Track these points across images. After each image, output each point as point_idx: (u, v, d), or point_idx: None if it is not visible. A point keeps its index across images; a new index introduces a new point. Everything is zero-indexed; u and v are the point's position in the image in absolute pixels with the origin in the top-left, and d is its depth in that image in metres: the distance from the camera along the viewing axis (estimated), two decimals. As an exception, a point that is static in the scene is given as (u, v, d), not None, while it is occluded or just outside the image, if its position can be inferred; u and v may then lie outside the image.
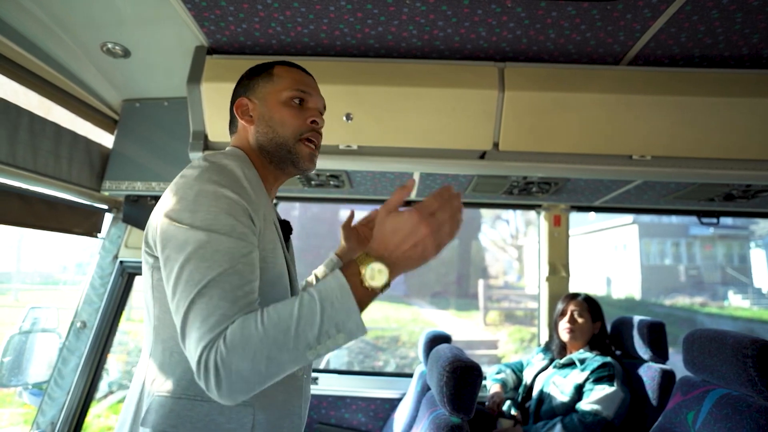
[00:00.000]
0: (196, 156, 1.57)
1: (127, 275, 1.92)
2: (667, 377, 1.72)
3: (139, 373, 0.85)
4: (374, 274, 0.70)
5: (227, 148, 0.96)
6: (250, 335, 0.66)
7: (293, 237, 1.08)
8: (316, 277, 1.28)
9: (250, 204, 0.78)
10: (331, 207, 15.91)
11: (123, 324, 1.92)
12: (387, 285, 0.72)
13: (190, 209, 0.74)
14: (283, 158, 0.93)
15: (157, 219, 0.78)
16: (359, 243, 1.28)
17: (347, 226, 1.29)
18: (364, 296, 0.71)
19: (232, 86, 1.46)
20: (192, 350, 0.67)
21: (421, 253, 0.72)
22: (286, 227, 1.02)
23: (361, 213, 1.36)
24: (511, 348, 10.10)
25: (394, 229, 0.72)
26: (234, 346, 0.66)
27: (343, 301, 0.69)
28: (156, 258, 0.80)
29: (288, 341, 0.66)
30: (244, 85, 0.99)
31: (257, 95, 0.95)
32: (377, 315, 12.10)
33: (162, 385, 0.79)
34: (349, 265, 0.72)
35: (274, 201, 1.73)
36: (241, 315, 0.69)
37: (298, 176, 1.88)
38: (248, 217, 0.77)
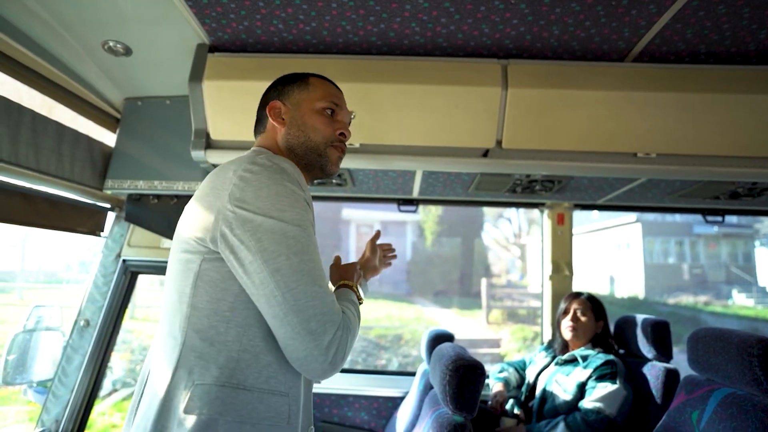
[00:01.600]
0: (198, 155, 1.57)
1: (130, 274, 1.92)
2: (671, 376, 1.71)
3: (162, 365, 0.84)
4: (361, 290, 1.10)
5: (255, 148, 0.99)
6: (356, 321, 0.88)
7: None
8: None
9: (309, 203, 0.87)
10: (333, 206, 15.90)
11: (126, 322, 1.92)
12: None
13: (277, 207, 0.80)
14: (312, 161, 0.99)
15: (223, 213, 0.81)
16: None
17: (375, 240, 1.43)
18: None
19: (234, 84, 1.47)
20: (319, 330, 0.78)
21: (376, 270, 1.33)
22: None
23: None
24: (514, 347, 10.08)
25: (346, 271, 1.13)
26: (353, 327, 0.85)
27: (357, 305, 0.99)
28: (210, 249, 0.82)
29: (356, 332, 0.89)
30: (277, 90, 1.04)
31: (291, 101, 1.01)
32: (380, 313, 12.11)
33: (204, 375, 0.80)
34: (351, 289, 1.03)
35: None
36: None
37: None
38: (312, 216, 0.87)
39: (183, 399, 0.79)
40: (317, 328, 0.77)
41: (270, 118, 1.00)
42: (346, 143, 1.05)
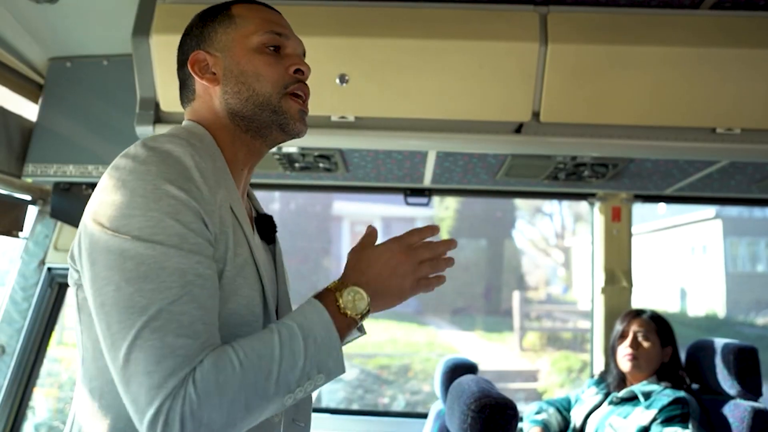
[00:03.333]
0: (144, 131, 1.57)
1: (57, 286, 1.93)
2: (761, 418, 1.72)
3: (69, 418, 0.86)
4: (354, 301, 0.83)
5: (184, 123, 0.95)
6: (226, 381, 0.70)
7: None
8: None
9: (202, 202, 0.77)
10: (321, 198, 15.90)
11: (53, 349, 1.93)
12: (366, 314, 0.84)
13: (123, 213, 0.73)
14: (266, 121, 0.92)
15: (83, 224, 0.78)
16: None
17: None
18: (343, 328, 0.81)
19: (190, 39, 1.47)
20: (142, 399, 0.67)
21: (400, 287, 0.87)
22: (267, 225, 1.02)
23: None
24: (556, 380, 10.11)
25: (370, 259, 0.88)
26: (208, 394, 0.69)
27: (326, 338, 0.78)
28: (79, 275, 0.80)
29: (269, 387, 0.72)
30: (195, 36, 0.97)
31: (217, 46, 0.94)
32: (382, 338, 12.13)
33: None
34: (324, 295, 0.83)
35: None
36: (206, 353, 0.71)
37: (278, 157, 1.88)
38: (200, 221, 0.76)
39: None
40: (138, 396, 0.68)
41: (196, 78, 0.94)
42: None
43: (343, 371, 0.80)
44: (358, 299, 0.83)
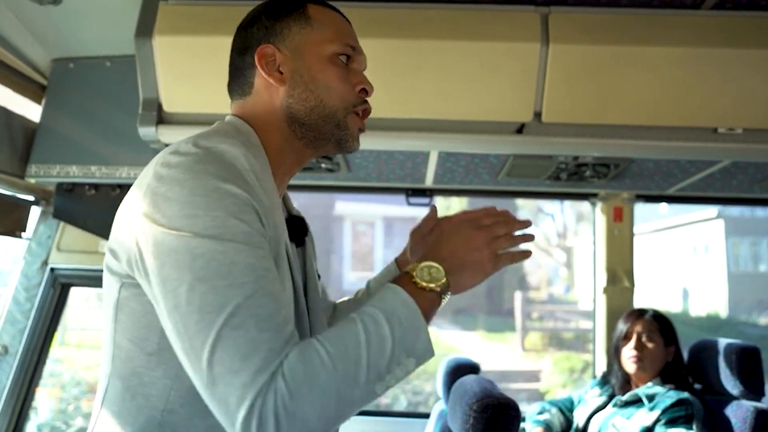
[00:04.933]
0: (147, 132, 1.58)
1: (60, 286, 1.94)
2: (763, 418, 1.72)
3: (92, 417, 0.85)
4: (430, 274, 0.80)
5: (228, 118, 0.91)
6: (315, 372, 0.68)
7: None
8: (369, 288, 1.22)
9: (259, 204, 0.76)
10: (322, 198, 15.90)
11: (55, 349, 1.94)
12: (447, 289, 0.81)
13: (186, 213, 0.71)
14: (326, 134, 0.90)
15: (136, 223, 0.75)
16: None
17: (424, 230, 1.11)
18: (425, 305, 0.78)
19: (193, 41, 1.47)
20: (233, 400, 0.66)
21: (478, 261, 0.84)
22: (298, 226, 1.01)
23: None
24: (558, 380, 10.10)
25: (442, 238, 0.87)
26: (299, 386, 0.67)
27: (410, 317, 0.76)
28: (126, 273, 0.78)
29: (360, 374, 0.70)
30: (266, 28, 0.90)
31: (288, 44, 0.89)
32: (383, 338, 12.14)
33: None
34: (400, 277, 0.82)
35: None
36: (291, 346, 0.70)
37: None
38: (259, 221, 0.75)
39: None
40: (227, 396, 0.66)
41: (262, 72, 0.88)
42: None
43: (433, 354, 0.78)
44: (434, 272, 0.81)
